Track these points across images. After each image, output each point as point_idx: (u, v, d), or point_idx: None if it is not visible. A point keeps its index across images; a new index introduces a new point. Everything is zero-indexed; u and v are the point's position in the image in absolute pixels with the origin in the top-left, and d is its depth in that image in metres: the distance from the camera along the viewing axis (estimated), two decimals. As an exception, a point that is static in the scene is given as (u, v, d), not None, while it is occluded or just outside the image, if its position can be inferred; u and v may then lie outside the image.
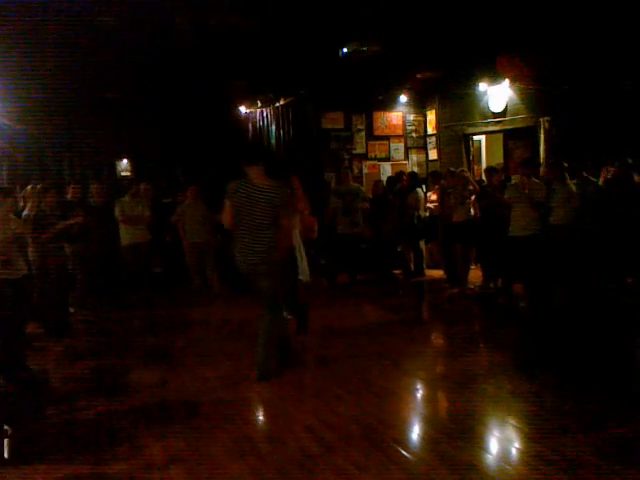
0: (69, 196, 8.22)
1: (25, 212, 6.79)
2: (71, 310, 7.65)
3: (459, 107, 11.44)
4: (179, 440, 3.95)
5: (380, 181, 10.35)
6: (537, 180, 7.58)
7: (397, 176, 10.40)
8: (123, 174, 11.76)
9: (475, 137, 11.79)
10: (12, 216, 5.35)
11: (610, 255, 7.25)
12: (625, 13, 7.54)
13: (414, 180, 10.04)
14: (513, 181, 8.59)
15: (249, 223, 4.88)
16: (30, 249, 6.60)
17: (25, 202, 7.01)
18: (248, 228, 4.89)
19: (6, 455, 3.81)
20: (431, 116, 12.12)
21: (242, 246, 4.95)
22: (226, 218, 5.03)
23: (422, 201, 9.87)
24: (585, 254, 7.10)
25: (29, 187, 7.24)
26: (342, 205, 9.27)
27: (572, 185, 7.36)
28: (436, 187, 9.94)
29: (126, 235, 8.35)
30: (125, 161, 11.89)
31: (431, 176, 10.42)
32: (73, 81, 8.53)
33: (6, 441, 3.93)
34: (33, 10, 6.77)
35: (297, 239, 6.77)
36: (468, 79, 10.92)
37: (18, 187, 7.77)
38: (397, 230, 9.66)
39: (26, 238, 5.61)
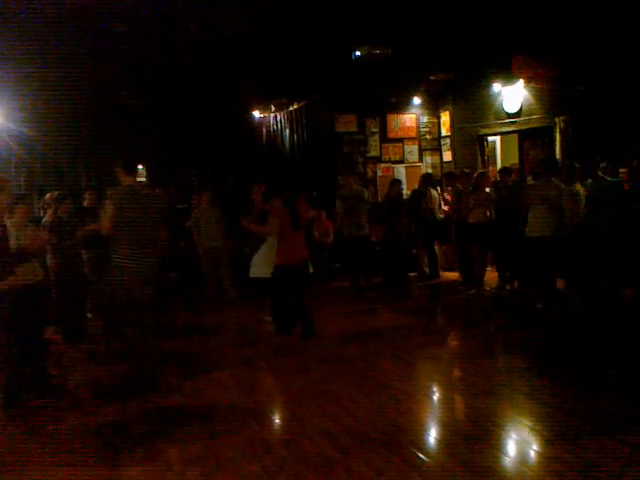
0: (85, 203, 8.29)
1: (44, 219, 6.88)
2: (88, 315, 7.71)
3: (473, 108, 11.39)
4: (196, 444, 3.96)
5: (395, 182, 10.30)
6: (556, 180, 7.51)
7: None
8: (138, 180, 11.84)
9: (490, 138, 11.73)
10: (28, 222, 5.40)
11: (626, 256, 7.14)
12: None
13: (429, 182, 9.99)
14: (529, 182, 8.53)
15: (138, 230, 4.94)
16: (48, 255, 6.69)
17: (45, 209, 7.10)
18: (139, 235, 4.94)
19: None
20: (445, 117, 12.08)
21: (135, 253, 4.94)
22: (108, 224, 4.98)
23: (437, 203, 9.84)
24: (599, 254, 7.00)
25: (48, 195, 7.31)
26: (346, 208, 9.24)
27: (578, 185, 7.27)
28: (449, 188, 9.89)
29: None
30: (140, 167, 11.98)
31: (445, 177, 10.36)
32: (88, 88, 8.61)
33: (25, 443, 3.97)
34: (49, 19, 6.84)
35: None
36: (482, 80, 10.87)
37: (35, 194, 7.88)
38: (411, 232, 9.62)
39: (44, 244, 5.67)
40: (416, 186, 10.25)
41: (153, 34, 7.90)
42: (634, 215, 7.00)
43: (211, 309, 8.49)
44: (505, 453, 3.69)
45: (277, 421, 4.58)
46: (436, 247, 10.02)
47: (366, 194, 9.56)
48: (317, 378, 5.27)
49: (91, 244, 7.60)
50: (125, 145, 10.70)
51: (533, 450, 3.71)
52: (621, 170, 7.77)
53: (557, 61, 9.36)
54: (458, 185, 9.28)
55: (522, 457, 3.65)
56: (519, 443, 3.83)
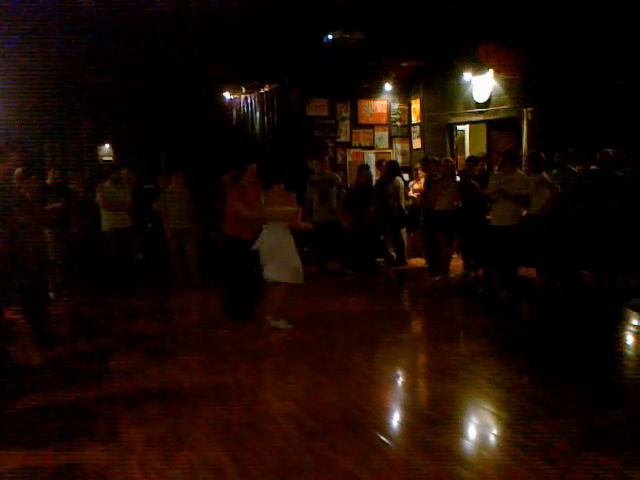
0: (48, 181, 8.14)
1: None
2: (51, 295, 7.58)
3: (443, 97, 11.46)
4: (158, 425, 3.95)
5: (363, 169, 10.31)
6: (521, 171, 7.63)
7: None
8: (105, 159, 11.64)
9: (459, 127, 11.84)
10: None
11: (591, 247, 7.30)
12: (608, 2, 7.58)
13: (394, 169, 10.00)
14: (495, 172, 8.64)
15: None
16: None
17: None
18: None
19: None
20: (415, 105, 12.13)
21: None
22: None
23: (402, 190, 9.85)
24: (564, 244, 7.15)
25: (16, 171, 7.14)
26: (318, 193, 9.27)
27: (545, 175, 7.40)
28: (422, 174, 9.91)
29: (107, 221, 8.28)
30: (107, 146, 11.77)
31: (421, 163, 10.30)
32: (54, 64, 8.40)
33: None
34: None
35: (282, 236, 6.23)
36: (452, 69, 10.93)
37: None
38: (378, 219, 9.67)
39: None
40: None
41: (122, 11, 7.74)
42: (598, 207, 7.18)
43: (176, 291, 8.42)
44: (465, 436, 3.77)
45: (241, 403, 4.58)
46: (404, 234, 10.10)
47: (338, 179, 9.59)
48: (281, 361, 5.30)
49: (55, 223, 7.48)
50: (91, 123, 10.52)
51: (494, 434, 3.80)
52: (592, 167, 7.92)
53: (524, 51, 9.47)
54: (429, 172, 9.30)
55: (482, 440, 3.73)
56: (479, 427, 3.92)
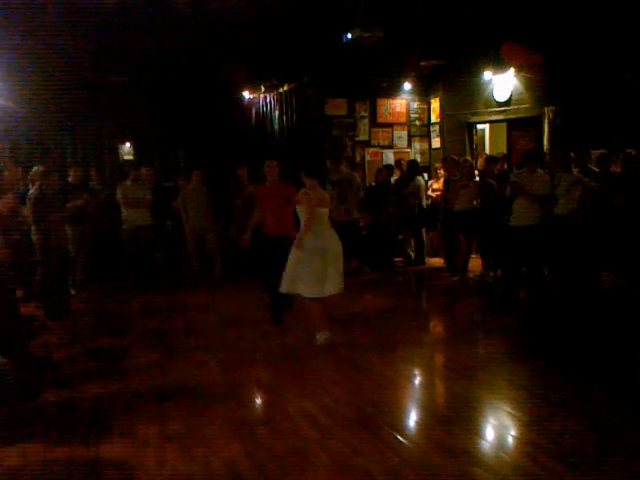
0: (70, 179, 8.24)
1: (30, 192, 6.84)
2: (71, 292, 7.68)
3: (463, 95, 11.38)
4: (175, 422, 3.97)
5: (382, 169, 10.30)
6: (541, 171, 7.56)
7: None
8: (126, 157, 11.75)
9: (479, 126, 11.75)
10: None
11: (609, 247, 7.21)
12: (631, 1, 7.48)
13: (414, 168, 9.97)
14: (515, 172, 8.57)
15: None
16: (32, 230, 6.66)
17: (33, 184, 7.05)
18: None
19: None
20: (435, 104, 12.05)
21: None
22: None
23: (423, 189, 9.83)
24: (586, 245, 7.08)
25: (34, 168, 7.25)
26: (336, 193, 9.21)
27: (577, 174, 7.32)
28: (442, 174, 9.86)
29: (128, 218, 8.37)
30: (128, 145, 11.88)
31: (442, 162, 10.23)
32: (76, 63, 8.50)
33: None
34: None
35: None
36: (473, 67, 10.85)
37: (20, 169, 7.79)
38: (398, 218, 9.64)
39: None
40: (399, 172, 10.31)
41: (143, 11, 7.80)
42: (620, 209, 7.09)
43: (195, 289, 8.47)
44: (482, 436, 3.74)
45: (257, 401, 4.61)
46: (423, 233, 10.05)
47: (357, 179, 9.52)
48: (298, 360, 5.30)
49: (77, 220, 7.58)
50: (112, 122, 10.61)
51: (511, 434, 3.77)
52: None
53: (547, 50, 9.37)
54: (448, 172, 9.26)
55: (498, 441, 3.70)
56: (496, 427, 3.89)
